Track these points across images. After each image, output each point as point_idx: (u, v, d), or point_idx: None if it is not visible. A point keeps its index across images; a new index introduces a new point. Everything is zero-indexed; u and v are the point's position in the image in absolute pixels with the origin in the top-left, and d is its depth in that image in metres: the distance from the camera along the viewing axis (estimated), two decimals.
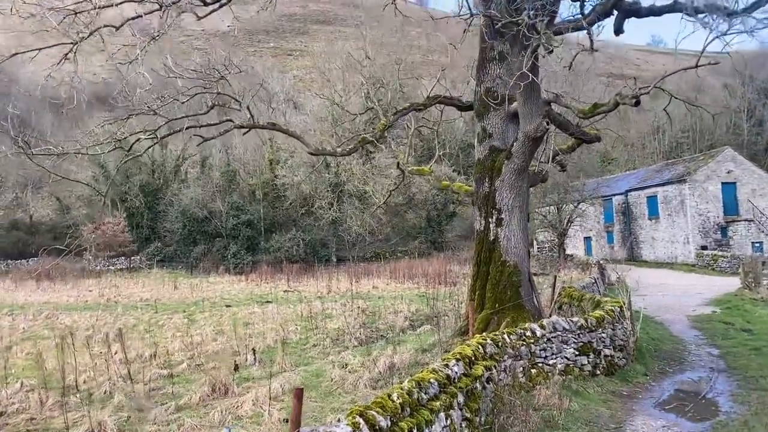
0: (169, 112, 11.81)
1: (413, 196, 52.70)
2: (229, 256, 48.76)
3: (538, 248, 49.27)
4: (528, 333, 9.73)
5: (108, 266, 50.65)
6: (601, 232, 49.75)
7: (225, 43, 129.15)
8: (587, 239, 51.27)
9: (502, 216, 12.95)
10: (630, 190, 46.61)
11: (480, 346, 8.25)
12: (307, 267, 44.57)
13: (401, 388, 5.86)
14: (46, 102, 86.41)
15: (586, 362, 10.37)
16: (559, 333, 10.16)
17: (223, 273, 45.40)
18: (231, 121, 11.72)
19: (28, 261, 49.83)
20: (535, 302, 13.00)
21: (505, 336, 9.14)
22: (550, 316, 12.00)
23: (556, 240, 43.33)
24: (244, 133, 12.58)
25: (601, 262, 30.50)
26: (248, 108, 11.52)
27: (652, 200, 44.14)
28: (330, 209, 49.08)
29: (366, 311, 22.05)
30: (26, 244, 55.85)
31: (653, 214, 43.95)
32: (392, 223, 53.35)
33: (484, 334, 9.16)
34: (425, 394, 6.13)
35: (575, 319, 10.71)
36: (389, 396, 5.58)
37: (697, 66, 10.74)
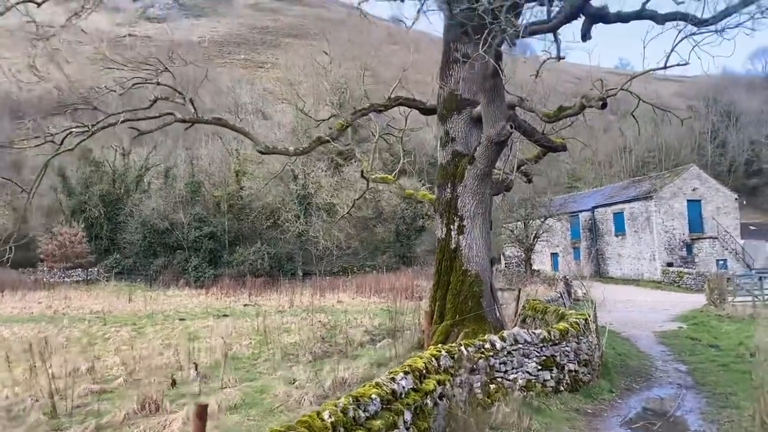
0: (111, 108, 10.98)
1: (382, 210, 52.06)
2: (190, 269, 47.32)
3: (505, 263, 48.99)
4: (487, 345, 9.05)
5: (63, 278, 48.73)
6: (568, 248, 49.72)
7: (193, 54, 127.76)
8: (554, 255, 51.19)
9: (464, 223, 12.33)
10: (597, 207, 46.73)
11: (433, 359, 7.54)
12: (271, 281, 43.44)
13: (335, 405, 5.11)
14: (6, 107, 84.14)
15: (549, 377, 9.73)
16: (521, 346, 9.51)
17: (183, 286, 43.93)
18: (172, 114, 10.92)
19: None
20: (497, 314, 12.36)
21: (462, 348, 8.45)
22: (513, 328, 11.37)
23: (523, 255, 43.07)
24: (186, 128, 11.74)
25: (567, 277, 30.15)
26: (191, 101, 10.69)
27: (618, 217, 44.25)
28: (297, 222, 48.10)
29: (326, 325, 21.27)
30: None
31: (620, 230, 44.04)
32: (360, 237, 52.56)
33: (439, 345, 8.46)
34: (364, 411, 5.38)
35: (538, 331, 10.08)
36: (318, 414, 4.83)
37: (666, 67, 10.31)
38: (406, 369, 6.77)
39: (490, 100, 11.52)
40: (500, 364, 9.13)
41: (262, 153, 12.87)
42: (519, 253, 45.77)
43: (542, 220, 41.11)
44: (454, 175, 12.55)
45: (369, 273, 46.36)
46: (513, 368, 9.26)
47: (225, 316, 25.52)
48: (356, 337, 17.04)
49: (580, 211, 47.94)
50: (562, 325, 10.70)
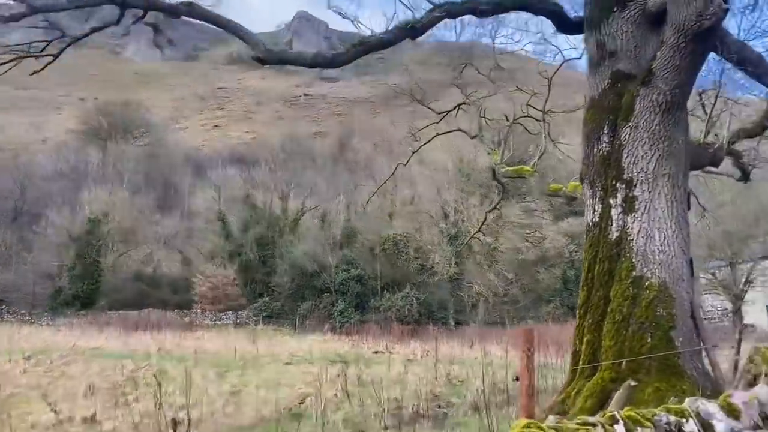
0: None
1: (546, 253, 45.52)
2: (335, 314, 44.47)
3: (704, 317, 39.66)
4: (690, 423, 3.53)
5: (215, 321, 48.23)
6: None
7: (362, 108, 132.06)
8: None
9: (636, 193, 6.78)
10: None
11: None
12: (419, 329, 38.98)
13: None
14: (188, 164, 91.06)
15: None
16: None
17: (327, 331, 40.94)
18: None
19: (139, 312, 48.53)
20: (704, 363, 6.49)
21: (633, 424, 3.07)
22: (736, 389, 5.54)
23: (729, 307, 34.06)
24: (139, 18, 7.74)
25: None
26: None
27: None
28: (448, 265, 43.32)
29: (455, 379, 16.57)
30: (146, 296, 55.52)
31: None
32: (521, 284, 46.18)
33: (579, 418, 3.14)
34: None
35: None
36: None
37: None
38: None
39: None
40: None
41: (260, 61, 8.40)
42: (723, 305, 36.63)
43: (754, 261, 32.16)
44: (614, 111, 7.13)
45: (530, 325, 39.93)
46: None
47: (343, 362, 21.51)
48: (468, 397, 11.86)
49: None
50: None
